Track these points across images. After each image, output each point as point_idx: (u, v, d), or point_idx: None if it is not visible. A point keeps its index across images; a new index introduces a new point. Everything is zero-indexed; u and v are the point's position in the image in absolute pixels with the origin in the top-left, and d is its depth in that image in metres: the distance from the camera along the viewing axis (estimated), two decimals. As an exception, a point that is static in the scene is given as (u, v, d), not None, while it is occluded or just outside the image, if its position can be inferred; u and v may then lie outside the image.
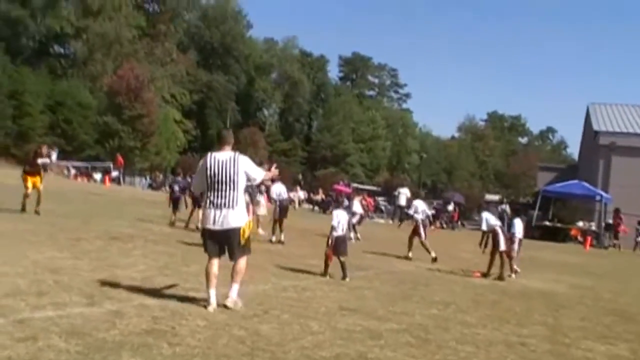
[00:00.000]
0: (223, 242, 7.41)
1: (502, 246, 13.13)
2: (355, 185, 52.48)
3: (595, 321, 9.53)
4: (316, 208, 39.12)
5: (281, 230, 16.11)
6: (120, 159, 43.95)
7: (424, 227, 16.29)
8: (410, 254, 15.96)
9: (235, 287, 7.40)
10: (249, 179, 7.62)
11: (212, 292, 7.29)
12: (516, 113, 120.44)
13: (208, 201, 7.37)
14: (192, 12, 75.89)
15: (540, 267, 16.95)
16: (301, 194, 40.33)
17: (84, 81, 53.49)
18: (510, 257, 13.69)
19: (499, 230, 13.26)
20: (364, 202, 31.65)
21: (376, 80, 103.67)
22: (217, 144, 7.66)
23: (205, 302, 7.25)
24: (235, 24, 78.34)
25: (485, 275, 13.26)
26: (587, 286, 14.10)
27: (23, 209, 15.69)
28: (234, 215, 7.31)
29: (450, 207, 36.62)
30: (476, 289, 11.76)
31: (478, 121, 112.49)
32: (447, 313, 8.91)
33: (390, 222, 30.81)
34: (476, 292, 11.31)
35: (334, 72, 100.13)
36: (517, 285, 12.89)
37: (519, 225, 14.46)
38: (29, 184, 16.02)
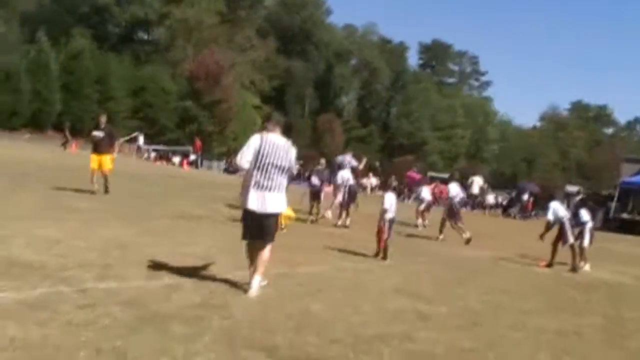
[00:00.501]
0: (261, 225, 7.23)
1: (570, 239, 12.86)
2: (431, 173, 52.07)
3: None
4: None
5: (347, 215, 16.24)
6: (198, 143, 44.92)
7: (457, 211, 16.16)
8: (441, 236, 16.32)
9: (258, 279, 7.25)
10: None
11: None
12: (602, 103, 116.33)
13: (254, 182, 7.15)
14: (272, -1, 76.61)
15: (611, 258, 16.50)
16: (374, 180, 40.32)
17: (165, 67, 54.90)
18: (581, 249, 13.38)
19: (566, 222, 12.97)
20: (436, 190, 31.45)
21: (456, 68, 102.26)
22: (270, 124, 7.49)
23: (247, 285, 7.22)
24: (315, 10, 78.64)
25: (549, 265, 13.05)
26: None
27: (92, 192, 15.35)
28: (278, 200, 7.22)
29: (525, 197, 35.88)
30: (537, 278, 11.63)
31: (561, 110, 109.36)
32: (502, 299, 8.88)
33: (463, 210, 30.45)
34: (536, 281, 11.19)
35: (413, 60, 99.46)
36: (582, 275, 12.64)
37: (585, 216, 14.09)
38: (94, 164, 15.71)
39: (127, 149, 48.59)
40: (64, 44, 49.64)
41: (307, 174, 20.00)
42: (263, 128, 7.55)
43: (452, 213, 16.15)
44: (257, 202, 7.13)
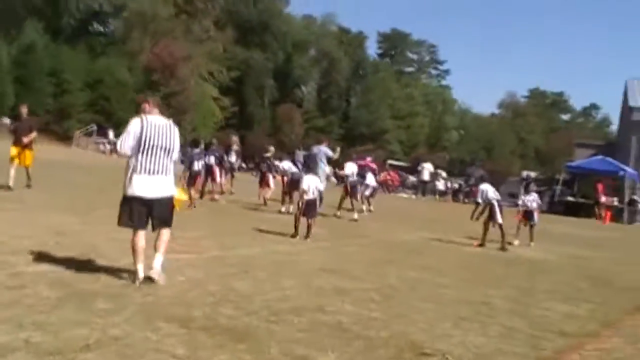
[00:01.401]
0: (152, 211, 7.01)
1: (499, 219, 13.52)
2: (391, 161, 52.87)
3: (569, 285, 9.93)
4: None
5: (291, 202, 16.72)
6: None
7: (353, 187, 18.02)
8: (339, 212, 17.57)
9: (160, 258, 7.07)
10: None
11: (140, 267, 7.01)
12: (560, 90, 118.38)
13: (140, 167, 6.85)
14: (230, -11, 76.35)
15: (546, 238, 17.18)
16: (327, 169, 40.74)
17: (122, 59, 54.49)
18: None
19: (495, 204, 13.63)
20: (388, 177, 32.18)
21: (415, 57, 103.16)
22: (147, 106, 7.12)
23: (133, 277, 6.98)
24: (273, 1, 78.56)
25: (481, 244, 13.68)
26: (583, 256, 14.39)
27: (8, 186, 14.43)
28: (168, 183, 7.07)
29: (472, 182, 36.73)
30: (465, 256, 12.22)
31: (519, 98, 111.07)
32: (424, 276, 9.40)
33: (414, 197, 31.18)
34: (463, 259, 11.77)
35: (372, 49, 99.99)
36: (511, 254, 13.27)
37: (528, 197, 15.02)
38: (13, 154, 15.15)
39: (85, 142, 48.46)
40: (16, 37, 49.06)
41: (261, 162, 20.33)
42: (141, 110, 7.13)
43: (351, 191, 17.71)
44: (146, 187, 6.87)
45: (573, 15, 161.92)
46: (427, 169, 32.10)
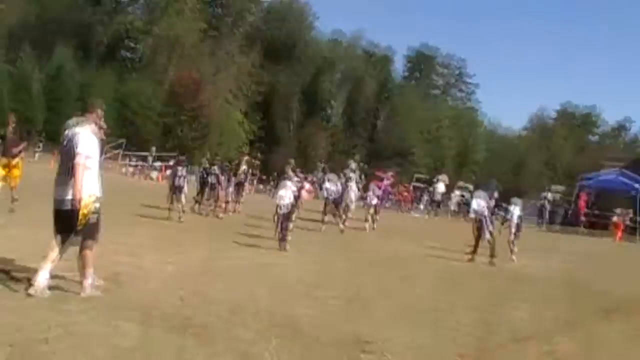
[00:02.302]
0: (62, 218, 6.78)
1: (487, 234, 13.75)
2: (418, 175, 53.15)
3: (543, 293, 10.25)
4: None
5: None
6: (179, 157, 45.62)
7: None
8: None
9: (87, 283, 6.81)
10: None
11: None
12: (591, 103, 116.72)
13: (56, 174, 6.86)
14: (256, 12, 77.70)
15: (547, 253, 17.28)
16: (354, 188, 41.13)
17: (148, 81, 55.90)
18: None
19: (484, 218, 13.86)
20: (405, 193, 32.44)
21: (443, 74, 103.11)
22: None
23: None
24: (300, 21, 79.64)
25: (471, 259, 13.90)
26: (575, 269, 14.40)
27: None
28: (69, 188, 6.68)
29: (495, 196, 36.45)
30: (450, 269, 12.46)
31: (549, 113, 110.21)
32: (398, 285, 9.78)
33: (426, 216, 31.34)
34: (447, 271, 12.02)
35: (399, 69, 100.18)
36: (498, 268, 13.37)
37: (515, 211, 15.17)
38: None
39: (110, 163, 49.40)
40: (48, 60, 50.68)
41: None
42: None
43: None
44: (56, 193, 6.79)
45: (606, 27, 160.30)
46: (442, 180, 32.40)
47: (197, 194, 19.21)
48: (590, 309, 9.10)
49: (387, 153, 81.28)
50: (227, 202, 19.17)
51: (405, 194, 35.26)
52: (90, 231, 6.77)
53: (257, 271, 9.85)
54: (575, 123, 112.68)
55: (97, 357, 5.07)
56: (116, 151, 45.56)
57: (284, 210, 12.37)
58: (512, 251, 14.65)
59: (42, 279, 6.59)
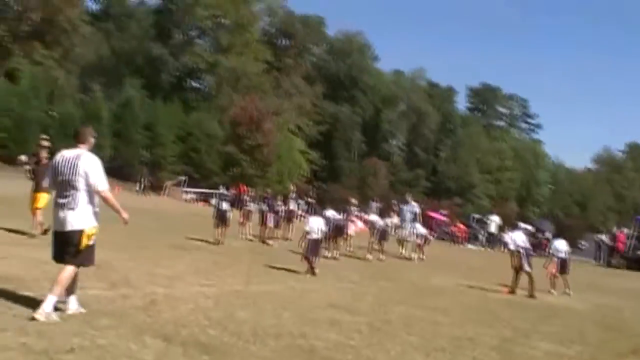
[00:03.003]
0: (61, 245, 6.96)
1: (526, 267, 13.79)
2: (476, 215, 52.61)
3: (573, 329, 10.15)
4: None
5: (336, 248, 17.57)
6: (242, 187, 46.67)
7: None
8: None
9: (51, 299, 6.70)
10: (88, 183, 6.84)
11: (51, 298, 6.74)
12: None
13: (54, 201, 7.01)
14: (320, 46, 78.97)
15: (592, 290, 17.00)
16: (396, 219, 41.24)
17: (212, 113, 57.40)
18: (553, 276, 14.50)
19: (523, 252, 13.92)
20: (454, 228, 32.41)
21: (506, 111, 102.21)
22: (73, 140, 7.17)
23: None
24: (362, 56, 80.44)
25: (511, 292, 13.92)
26: (615, 306, 14.20)
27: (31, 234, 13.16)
28: (74, 217, 6.85)
29: (541, 236, 36.11)
30: (485, 300, 12.48)
31: (615, 152, 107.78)
32: (427, 314, 9.88)
33: (482, 248, 31.22)
34: (479, 303, 12.06)
35: (462, 104, 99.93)
36: (536, 301, 13.35)
37: (560, 246, 15.22)
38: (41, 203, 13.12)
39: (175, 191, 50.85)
40: (117, 93, 52.76)
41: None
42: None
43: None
44: (57, 221, 6.93)
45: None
46: (493, 220, 32.25)
47: (259, 223, 19.92)
48: (617, 349, 9.01)
49: (448, 187, 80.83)
50: (277, 229, 19.76)
51: (462, 227, 35.23)
52: (89, 255, 7.06)
53: (290, 295, 10.15)
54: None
55: (118, 368, 5.46)
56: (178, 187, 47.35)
57: (312, 237, 12.76)
58: (552, 285, 14.79)
59: (49, 304, 6.67)
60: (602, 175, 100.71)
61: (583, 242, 50.41)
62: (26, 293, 7.61)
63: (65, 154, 6.95)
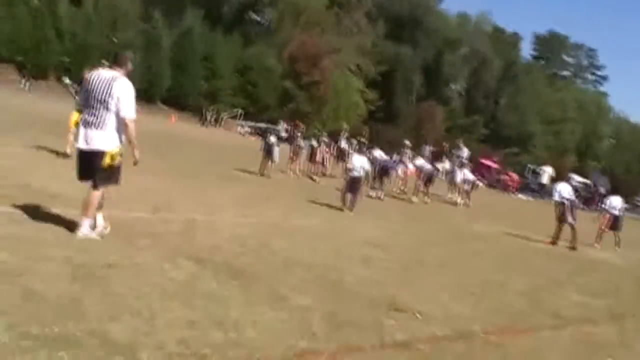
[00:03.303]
0: (87, 164, 6.95)
1: (570, 219, 13.69)
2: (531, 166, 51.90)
3: (608, 283, 10.15)
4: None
5: (381, 188, 17.71)
6: (297, 123, 46.95)
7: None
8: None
9: (86, 222, 6.89)
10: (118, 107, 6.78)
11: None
12: None
13: (82, 119, 7.00)
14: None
15: (636, 246, 16.81)
16: (447, 165, 41.02)
17: (272, 48, 57.33)
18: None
19: (567, 204, 13.78)
20: (507, 178, 32.09)
21: (572, 61, 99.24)
22: (112, 63, 7.13)
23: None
24: (426, -3, 78.80)
25: (553, 242, 13.86)
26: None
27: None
28: (99, 137, 6.84)
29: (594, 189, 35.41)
30: (525, 249, 12.49)
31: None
32: (462, 257, 9.97)
33: (531, 199, 30.92)
34: (519, 251, 12.06)
35: (526, 51, 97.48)
36: (577, 253, 13.28)
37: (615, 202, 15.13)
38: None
39: (230, 124, 51.42)
40: (178, 22, 53.04)
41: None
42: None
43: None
44: (83, 139, 6.92)
45: None
46: (546, 172, 31.78)
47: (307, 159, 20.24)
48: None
49: (506, 135, 79.52)
50: (323, 166, 19.99)
51: (513, 177, 34.86)
52: (113, 175, 6.99)
53: (329, 231, 10.36)
54: None
55: (150, 284, 5.72)
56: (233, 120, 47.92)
57: (354, 174, 12.91)
58: (598, 238, 14.77)
59: (85, 226, 6.87)
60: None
61: (639, 199, 49.29)
62: (74, 211, 7.96)
63: (101, 74, 6.90)
